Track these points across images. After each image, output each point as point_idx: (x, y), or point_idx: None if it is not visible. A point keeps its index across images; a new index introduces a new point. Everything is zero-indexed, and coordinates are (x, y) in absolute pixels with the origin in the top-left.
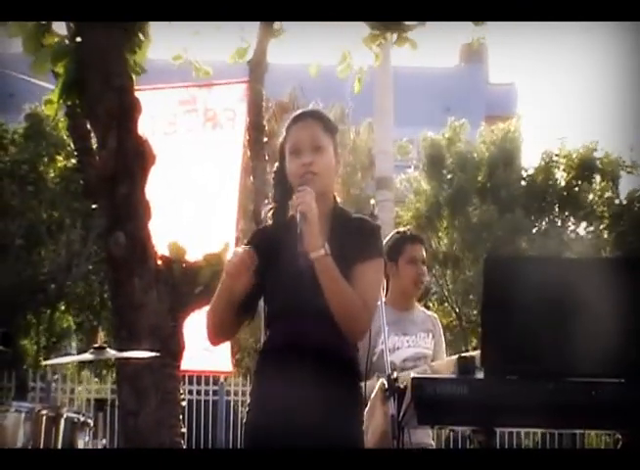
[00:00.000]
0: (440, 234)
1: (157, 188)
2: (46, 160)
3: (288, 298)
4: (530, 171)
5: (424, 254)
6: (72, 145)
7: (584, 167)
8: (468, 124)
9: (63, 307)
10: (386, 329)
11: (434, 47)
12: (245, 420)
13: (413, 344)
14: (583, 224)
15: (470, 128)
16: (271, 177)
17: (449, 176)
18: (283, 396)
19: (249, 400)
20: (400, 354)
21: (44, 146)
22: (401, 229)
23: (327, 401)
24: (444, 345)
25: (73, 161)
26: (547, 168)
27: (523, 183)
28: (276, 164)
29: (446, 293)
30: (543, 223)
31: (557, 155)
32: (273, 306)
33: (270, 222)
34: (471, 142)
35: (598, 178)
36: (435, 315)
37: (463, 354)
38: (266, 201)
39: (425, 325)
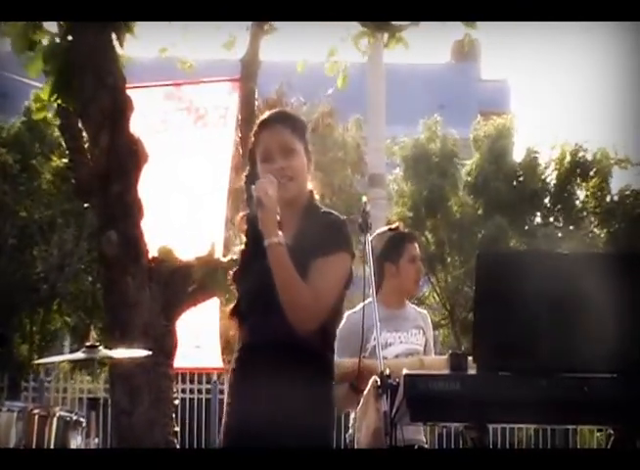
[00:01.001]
0: (427, 233)
1: (148, 186)
2: (40, 159)
3: (252, 296)
4: (520, 169)
5: (419, 251)
6: (64, 144)
7: (575, 165)
8: (441, 121)
9: (55, 307)
10: (378, 325)
11: (425, 44)
12: (224, 421)
13: (405, 340)
14: (575, 221)
15: (461, 124)
16: (243, 182)
17: (431, 176)
18: (248, 394)
19: (226, 401)
20: (392, 350)
21: (37, 145)
22: (392, 226)
23: (289, 397)
24: (433, 341)
25: (66, 159)
26: (534, 165)
27: (514, 181)
28: (247, 170)
29: (437, 290)
30: (535, 220)
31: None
32: (242, 306)
33: (244, 228)
34: (450, 139)
35: (589, 174)
36: (426, 312)
37: (455, 351)
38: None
39: (416, 322)
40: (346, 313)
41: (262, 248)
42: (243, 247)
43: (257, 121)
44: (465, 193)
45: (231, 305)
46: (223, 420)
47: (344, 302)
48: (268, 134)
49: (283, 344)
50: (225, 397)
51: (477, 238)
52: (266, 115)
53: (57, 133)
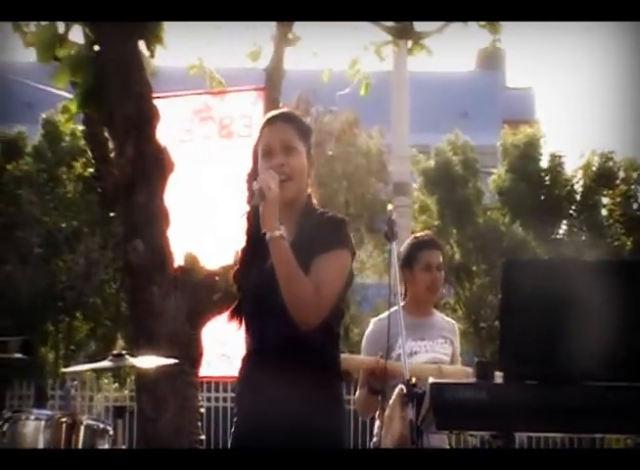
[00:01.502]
0: (451, 241)
1: (173, 196)
2: (63, 168)
3: (255, 300)
4: (545, 177)
5: (440, 259)
6: (90, 153)
7: (601, 173)
8: (460, 133)
9: (81, 316)
10: (404, 333)
11: (450, 53)
12: (234, 423)
13: (430, 349)
14: (600, 229)
15: (485, 133)
16: (245, 180)
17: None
18: (259, 398)
19: (235, 407)
20: (417, 359)
21: (60, 154)
22: (419, 234)
23: (299, 398)
24: (459, 351)
25: (91, 169)
26: (559, 173)
27: (539, 190)
28: (250, 167)
29: (462, 298)
30: (561, 228)
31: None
32: (245, 310)
33: (245, 227)
34: (469, 146)
35: (615, 183)
36: (454, 322)
37: (481, 360)
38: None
39: (442, 331)
40: (372, 320)
41: (264, 247)
42: (244, 244)
43: (263, 119)
44: (490, 202)
45: (232, 306)
46: (233, 429)
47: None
48: (271, 130)
49: (293, 347)
50: (236, 403)
51: (501, 246)
52: (272, 113)
53: (78, 143)
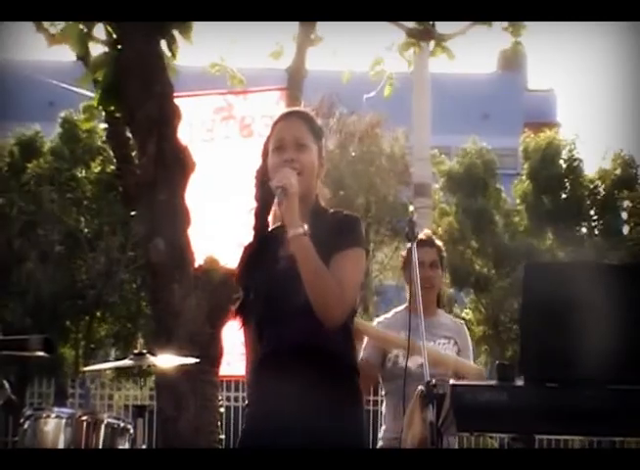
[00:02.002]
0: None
1: (194, 195)
2: (82, 166)
3: (270, 303)
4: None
5: (433, 257)
6: (111, 152)
7: (623, 176)
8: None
9: (101, 314)
10: (423, 334)
11: (471, 54)
12: (243, 431)
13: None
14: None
15: (506, 135)
16: (254, 177)
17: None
18: (278, 401)
19: (246, 410)
20: (417, 360)
21: (79, 153)
22: (421, 234)
23: (321, 400)
24: (471, 351)
25: (111, 167)
26: (580, 176)
27: (560, 193)
28: (259, 164)
29: (482, 302)
30: (581, 231)
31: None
32: (258, 315)
33: (253, 224)
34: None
35: (636, 186)
36: (462, 322)
37: (502, 362)
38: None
39: (446, 332)
40: (376, 319)
41: (274, 247)
42: (251, 244)
43: (277, 116)
44: (511, 206)
45: (237, 305)
46: (245, 431)
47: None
48: (284, 125)
49: (312, 348)
50: (250, 406)
51: (522, 250)
52: (286, 109)
53: (95, 141)
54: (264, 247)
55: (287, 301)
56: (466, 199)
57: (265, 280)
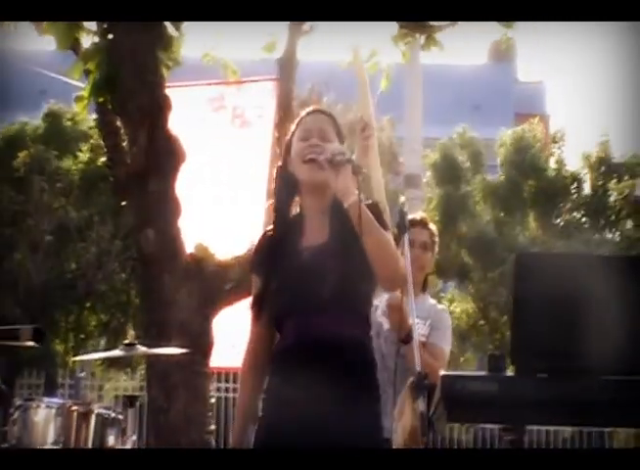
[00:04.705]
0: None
1: (185, 185)
2: (69, 156)
3: (294, 294)
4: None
5: (425, 238)
6: (102, 142)
7: (608, 167)
8: (468, 127)
9: (91, 305)
10: (416, 321)
11: (462, 45)
12: (259, 423)
13: None
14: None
15: (496, 125)
16: (273, 171)
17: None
18: (300, 394)
19: (262, 404)
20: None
21: (64, 142)
22: (411, 216)
23: (345, 393)
24: (445, 334)
25: (101, 158)
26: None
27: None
28: (280, 159)
29: (471, 292)
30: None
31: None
32: (280, 306)
33: (272, 217)
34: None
35: (624, 177)
36: (442, 307)
37: (493, 352)
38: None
39: (423, 313)
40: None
41: (297, 239)
42: (270, 231)
43: (303, 112)
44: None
45: (255, 295)
46: (263, 423)
47: None
48: (311, 119)
49: (338, 340)
50: (267, 399)
51: (507, 242)
52: (314, 106)
53: (82, 128)
54: (286, 236)
55: (312, 292)
56: (451, 188)
57: (289, 271)
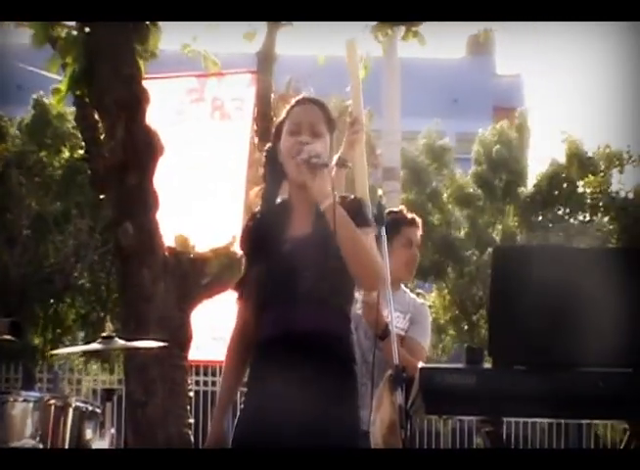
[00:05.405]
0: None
1: (164, 178)
2: (52, 150)
3: (275, 285)
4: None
5: (419, 238)
6: (80, 135)
7: (582, 161)
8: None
9: (69, 299)
10: (393, 315)
11: (441, 39)
12: (239, 417)
13: None
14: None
15: (474, 119)
16: (262, 156)
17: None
18: (277, 387)
19: (243, 397)
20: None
21: (49, 136)
22: (396, 209)
23: (323, 388)
24: (425, 328)
25: (80, 152)
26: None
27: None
28: (268, 145)
29: (448, 286)
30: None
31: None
32: (261, 296)
33: (259, 204)
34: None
35: (600, 171)
36: (422, 302)
37: (471, 345)
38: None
39: (402, 306)
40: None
41: (282, 228)
42: (259, 214)
43: (293, 100)
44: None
45: (239, 279)
46: (243, 417)
47: None
48: (302, 110)
49: (317, 334)
50: (247, 393)
51: (486, 236)
52: (304, 95)
53: (67, 125)
54: (271, 223)
55: (291, 285)
56: (419, 187)
57: (270, 261)
